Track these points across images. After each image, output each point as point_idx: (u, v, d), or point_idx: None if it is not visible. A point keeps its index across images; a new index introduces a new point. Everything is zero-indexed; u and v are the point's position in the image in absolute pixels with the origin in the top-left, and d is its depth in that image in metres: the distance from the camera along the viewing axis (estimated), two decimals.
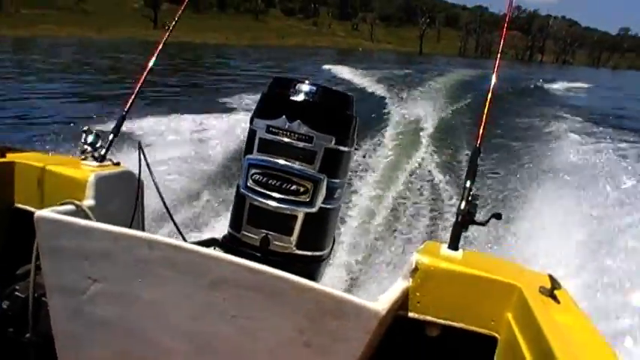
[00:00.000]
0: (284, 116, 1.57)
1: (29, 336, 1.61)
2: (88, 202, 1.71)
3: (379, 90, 13.93)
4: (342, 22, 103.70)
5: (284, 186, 1.57)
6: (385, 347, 1.31)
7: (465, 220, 1.47)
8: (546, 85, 24.65)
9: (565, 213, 4.33)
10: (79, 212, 1.57)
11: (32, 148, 2.29)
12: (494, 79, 1.76)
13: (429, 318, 1.36)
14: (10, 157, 1.98)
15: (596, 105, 20.33)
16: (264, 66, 30.05)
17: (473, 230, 1.52)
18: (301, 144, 1.56)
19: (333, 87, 1.72)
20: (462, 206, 1.48)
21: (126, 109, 2.04)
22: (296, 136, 1.56)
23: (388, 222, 4.98)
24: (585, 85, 31.25)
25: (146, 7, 71.67)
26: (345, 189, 1.77)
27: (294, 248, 1.61)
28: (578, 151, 7.31)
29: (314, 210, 1.60)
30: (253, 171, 1.60)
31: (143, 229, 1.92)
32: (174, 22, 2.33)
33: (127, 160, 1.96)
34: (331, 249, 1.79)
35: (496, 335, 1.34)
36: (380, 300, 1.24)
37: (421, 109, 11.00)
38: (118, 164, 1.96)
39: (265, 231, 1.60)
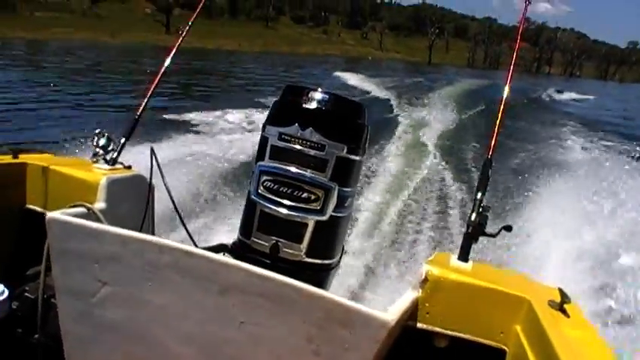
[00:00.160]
0: (296, 124, 1.57)
1: (38, 337, 1.61)
2: (99, 204, 1.72)
3: (389, 97, 13.98)
4: (352, 30, 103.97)
5: (295, 193, 1.57)
6: (393, 357, 1.31)
7: (475, 232, 1.47)
8: (555, 96, 24.69)
9: (571, 217, 4.32)
10: (90, 215, 1.58)
11: (44, 149, 2.31)
12: (506, 91, 1.76)
13: (437, 329, 1.36)
14: (23, 158, 2.00)
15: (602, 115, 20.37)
16: (281, 72, 30.37)
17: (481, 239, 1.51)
18: (313, 152, 1.56)
19: (345, 95, 1.72)
20: (473, 217, 1.48)
21: (138, 113, 2.06)
22: (308, 143, 1.56)
23: (396, 230, 4.97)
24: (591, 97, 31.46)
25: (158, 13, 72.35)
26: (355, 197, 1.77)
27: (304, 256, 1.61)
28: (586, 157, 7.28)
29: (325, 218, 1.60)
30: (265, 178, 1.60)
31: (153, 234, 1.93)
32: (187, 28, 2.34)
33: (140, 163, 1.97)
34: (340, 257, 1.79)
35: (505, 348, 1.34)
36: (389, 310, 1.24)
37: (430, 117, 11.02)
38: (129, 168, 1.97)
39: (275, 238, 1.60)
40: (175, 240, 1.35)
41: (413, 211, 5.58)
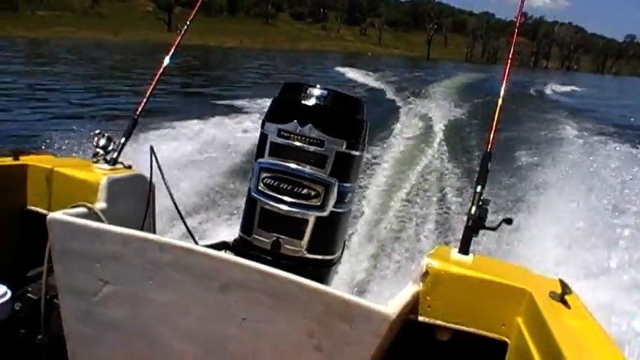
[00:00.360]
0: (295, 120, 1.57)
1: (41, 337, 1.62)
2: (100, 204, 1.72)
3: (389, 91, 13.98)
4: (351, 26, 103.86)
5: (295, 190, 1.57)
6: (395, 351, 1.31)
7: (475, 225, 1.47)
8: (550, 89, 24.79)
9: (571, 214, 4.32)
10: (91, 215, 1.59)
11: (45, 150, 2.32)
12: (504, 84, 1.75)
13: (439, 322, 1.36)
14: (23, 159, 2.01)
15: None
16: (285, 67, 30.32)
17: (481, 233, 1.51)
18: (312, 148, 1.56)
19: (344, 91, 1.72)
20: (473, 211, 1.48)
21: (137, 113, 2.05)
22: (307, 140, 1.56)
23: (396, 224, 4.97)
24: (584, 89, 31.66)
25: (159, 11, 72.28)
26: (355, 193, 1.77)
27: (305, 252, 1.61)
28: (583, 152, 7.27)
29: (325, 214, 1.60)
30: (264, 175, 1.61)
31: (154, 232, 1.93)
32: (186, 26, 2.32)
33: (141, 163, 1.97)
34: (341, 253, 1.79)
35: (506, 340, 1.34)
36: (390, 304, 1.24)
37: (429, 111, 11.01)
38: (129, 167, 1.97)
39: (276, 234, 1.60)
40: (176, 238, 1.35)
41: (413, 205, 5.58)
